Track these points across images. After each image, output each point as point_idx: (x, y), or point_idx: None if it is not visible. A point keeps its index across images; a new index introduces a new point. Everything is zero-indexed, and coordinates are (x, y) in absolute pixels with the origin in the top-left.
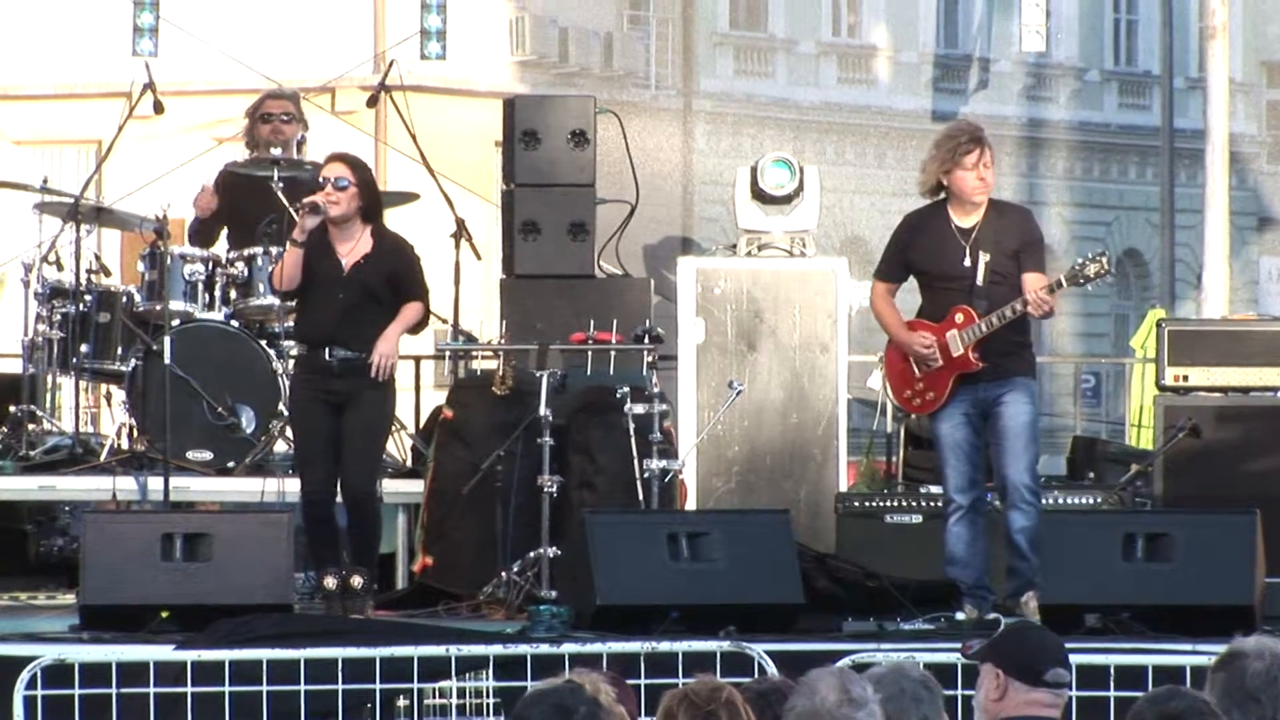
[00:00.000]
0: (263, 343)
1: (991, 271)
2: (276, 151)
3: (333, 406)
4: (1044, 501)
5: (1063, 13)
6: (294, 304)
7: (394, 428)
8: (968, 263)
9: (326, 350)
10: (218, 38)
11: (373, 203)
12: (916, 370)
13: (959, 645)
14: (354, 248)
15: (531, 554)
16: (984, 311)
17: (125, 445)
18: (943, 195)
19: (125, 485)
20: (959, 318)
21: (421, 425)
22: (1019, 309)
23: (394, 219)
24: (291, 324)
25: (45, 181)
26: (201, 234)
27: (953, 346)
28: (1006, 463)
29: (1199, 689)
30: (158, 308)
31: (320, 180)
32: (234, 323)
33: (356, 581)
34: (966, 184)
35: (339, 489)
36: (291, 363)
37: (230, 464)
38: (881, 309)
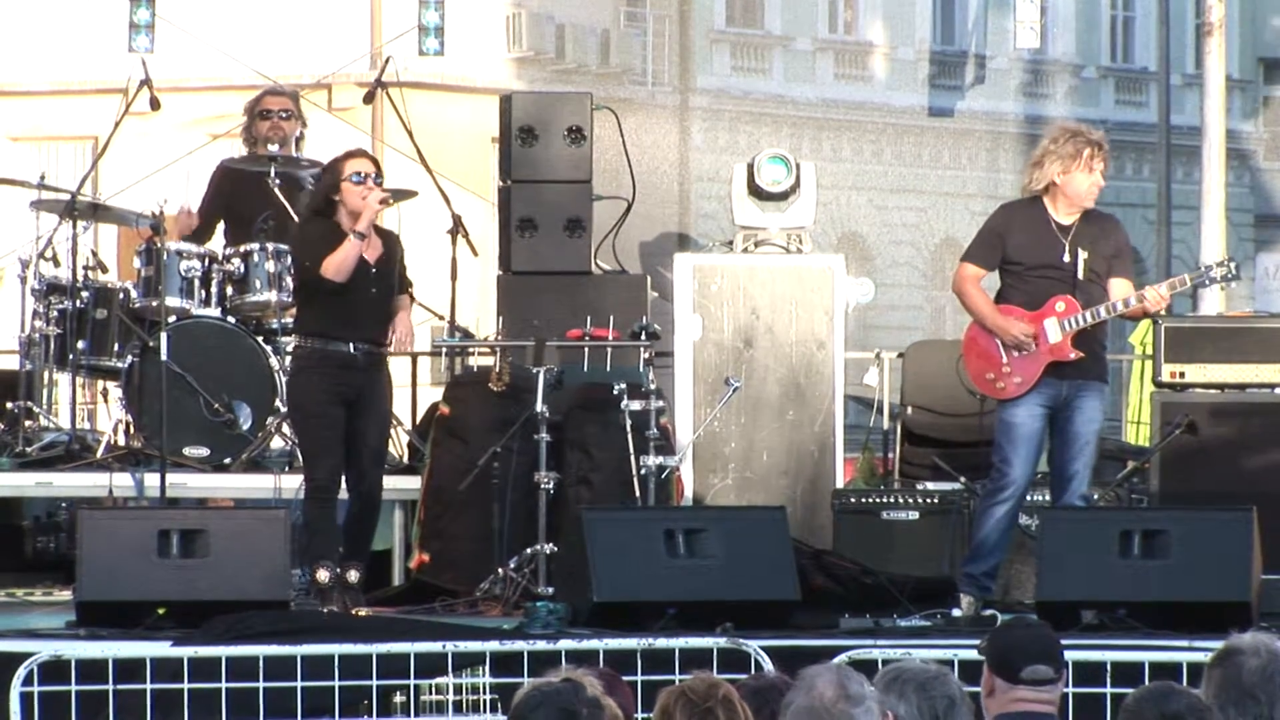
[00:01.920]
0: (259, 339)
1: (1090, 270)
2: (274, 148)
3: (345, 400)
4: (1042, 498)
5: (1059, 9)
6: (290, 298)
7: (391, 424)
8: (1068, 258)
9: (353, 345)
10: (214, 34)
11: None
12: (1005, 355)
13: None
14: (370, 243)
15: (528, 550)
16: (1083, 305)
17: (122, 442)
18: (1038, 189)
19: (122, 482)
20: (1060, 306)
21: (418, 422)
22: (1132, 304)
23: (390, 215)
24: (290, 320)
25: (42, 178)
26: (195, 235)
27: (1051, 333)
28: (1076, 466)
29: (1195, 686)
30: (154, 304)
31: (355, 176)
32: (230, 319)
33: (353, 576)
34: (1083, 186)
35: (351, 485)
36: (289, 359)
37: (227, 460)
38: (971, 291)
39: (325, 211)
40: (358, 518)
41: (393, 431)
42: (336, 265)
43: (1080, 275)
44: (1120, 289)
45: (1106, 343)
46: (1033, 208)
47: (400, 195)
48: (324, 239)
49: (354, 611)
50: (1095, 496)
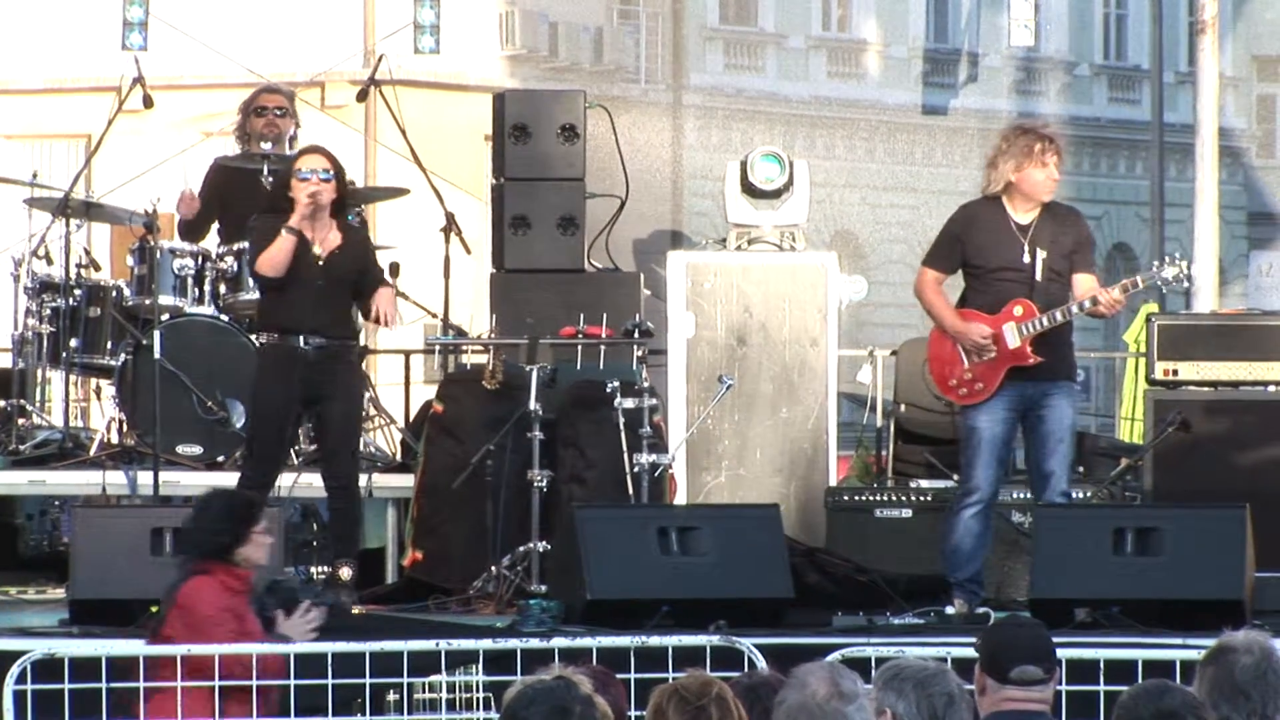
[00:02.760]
0: (252, 337)
1: (1049, 269)
2: (268, 146)
3: (304, 399)
4: (1019, 495)
5: (1052, 7)
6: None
7: (384, 422)
8: (1027, 258)
9: (303, 338)
10: (207, 32)
11: (343, 195)
12: (966, 360)
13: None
14: (326, 238)
15: (521, 548)
16: (1043, 307)
17: (115, 440)
18: (997, 190)
19: (115, 480)
20: (1018, 310)
21: (411, 420)
22: (1087, 307)
23: (383, 213)
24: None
25: (35, 176)
26: (190, 232)
27: (1009, 339)
28: (1051, 464)
29: (1189, 684)
30: (147, 302)
31: (301, 172)
32: (223, 317)
33: (345, 573)
34: (1038, 182)
35: (324, 480)
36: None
37: (220, 458)
38: (930, 297)
39: (282, 207)
40: (340, 512)
41: (385, 429)
42: (267, 259)
43: (1039, 276)
44: (1082, 284)
45: (1072, 341)
46: (991, 208)
47: (392, 193)
48: (266, 235)
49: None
50: (1076, 495)
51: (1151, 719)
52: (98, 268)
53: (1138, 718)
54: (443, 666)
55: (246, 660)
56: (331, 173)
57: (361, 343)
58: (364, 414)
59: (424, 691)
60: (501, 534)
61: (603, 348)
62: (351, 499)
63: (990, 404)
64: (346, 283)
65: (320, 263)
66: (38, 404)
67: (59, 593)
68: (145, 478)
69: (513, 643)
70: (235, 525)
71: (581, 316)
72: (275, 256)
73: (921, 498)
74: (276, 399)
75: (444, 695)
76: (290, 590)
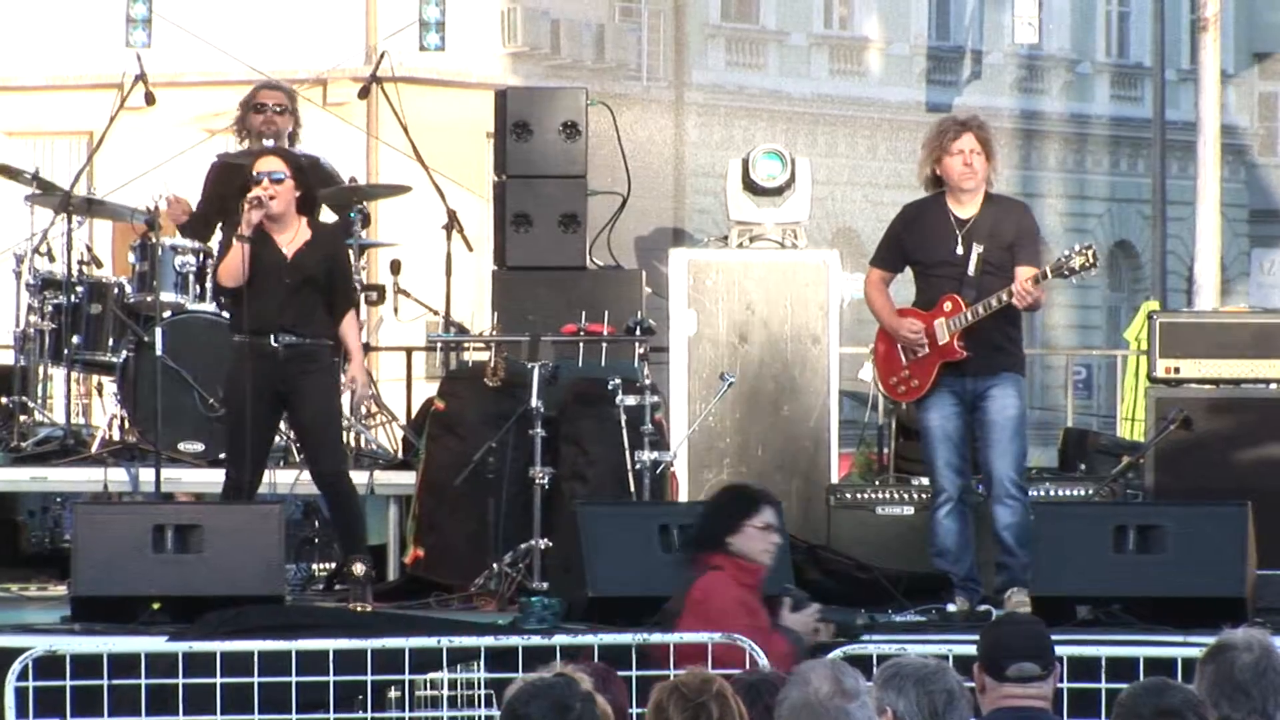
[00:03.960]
0: None
1: (984, 262)
2: (268, 142)
3: (275, 396)
4: (1037, 493)
5: (1055, 4)
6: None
7: (385, 419)
8: (960, 251)
9: (273, 337)
10: (210, 30)
11: (308, 195)
12: (904, 358)
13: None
14: (294, 238)
15: (523, 545)
16: (972, 301)
17: (116, 436)
18: (942, 188)
19: (117, 476)
20: (947, 305)
21: (413, 417)
22: (1005, 299)
23: (385, 210)
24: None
25: (37, 173)
26: (193, 231)
27: (939, 334)
28: (992, 458)
29: (1190, 681)
30: (149, 299)
31: (255, 176)
32: (225, 314)
33: (359, 569)
34: (954, 170)
35: (313, 478)
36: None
37: (221, 455)
38: (873, 295)
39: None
40: (334, 509)
41: (387, 426)
42: (224, 269)
43: (972, 270)
44: (1023, 277)
45: (1019, 330)
46: (933, 205)
47: (393, 191)
48: (228, 243)
49: (358, 606)
50: (1077, 492)
51: (1151, 716)
52: (99, 265)
53: (1138, 715)
54: (444, 663)
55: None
56: (283, 174)
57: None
58: (339, 411)
59: (425, 689)
60: (503, 531)
61: (604, 345)
62: (346, 496)
63: (935, 400)
64: (316, 280)
65: (287, 261)
66: (39, 401)
67: (60, 590)
68: (147, 474)
69: (514, 640)
70: (727, 517)
71: (583, 314)
72: (230, 265)
73: (923, 495)
74: (249, 398)
75: (445, 692)
76: (798, 594)
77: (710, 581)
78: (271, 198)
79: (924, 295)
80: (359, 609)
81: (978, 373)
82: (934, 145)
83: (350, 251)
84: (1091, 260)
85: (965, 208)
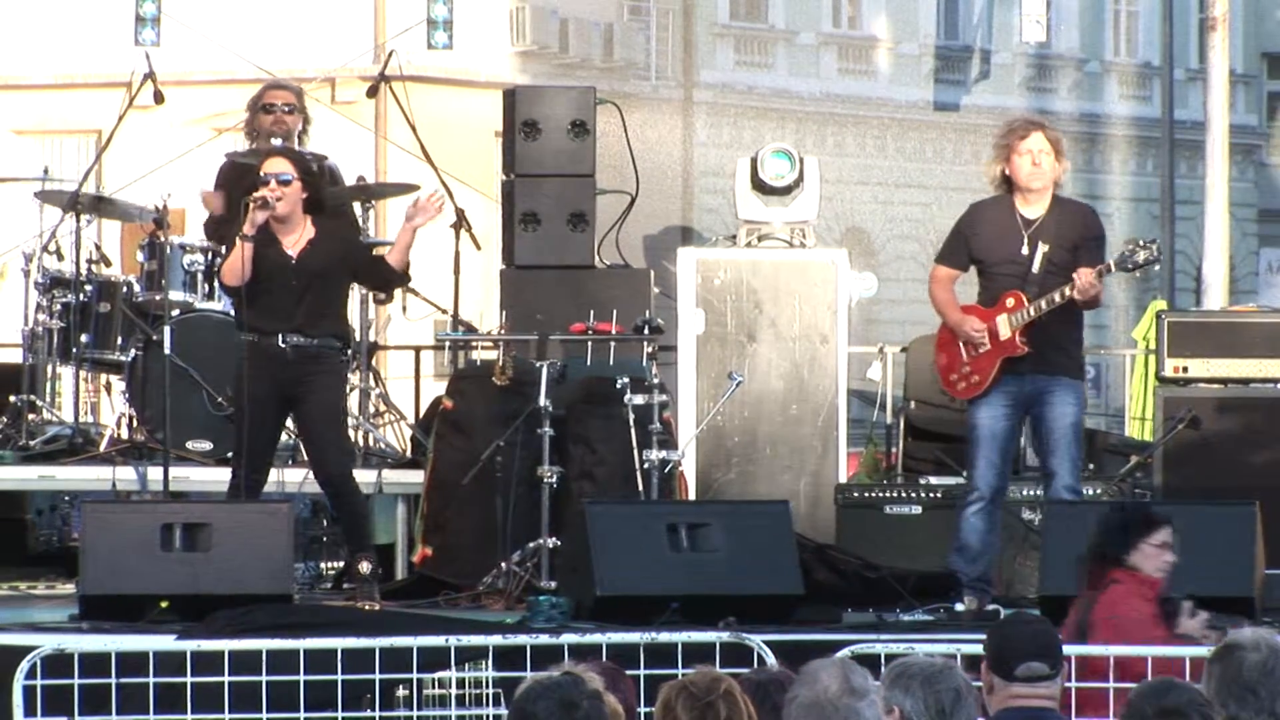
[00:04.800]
0: None
1: (1048, 262)
2: (277, 143)
3: (283, 397)
4: (1029, 493)
5: (1063, 3)
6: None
7: (394, 418)
8: (1025, 250)
9: (280, 337)
10: (218, 28)
11: (314, 196)
12: (965, 354)
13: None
14: (299, 239)
15: (531, 545)
16: (1034, 298)
17: (125, 435)
18: (1011, 188)
19: (125, 475)
20: (1010, 302)
21: (421, 416)
22: (1067, 294)
23: (393, 209)
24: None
25: (46, 171)
26: (217, 232)
27: (1001, 330)
28: (1053, 463)
29: (1197, 681)
30: (157, 298)
31: (263, 177)
32: (233, 313)
33: (365, 567)
34: (1022, 170)
35: (316, 478)
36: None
37: (230, 454)
38: (937, 292)
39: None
40: (338, 509)
41: (395, 425)
42: (227, 268)
43: (1036, 269)
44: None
45: (1081, 335)
46: (1000, 204)
47: (402, 189)
48: (233, 243)
49: (365, 604)
50: (1086, 492)
51: (1156, 716)
52: (108, 263)
53: (1143, 715)
54: (452, 662)
55: (1163, 661)
56: (291, 175)
57: (372, 339)
58: (344, 412)
59: (434, 687)
60: (511, 530)
61: (613, 344)
62: (348, 495)
63: (989, 400)
64: (325, 278)
65: (292, 263)
66: (48, 399)
67: (68, 588)
68: (155, 473)
69: (522, 639)
70: (1126, 535)
71: (591, 313)
72: (233, 264)
73: (931, 494)
74: (256, 397)
75: (453, 691)
76: (1188, 603)
77: (1114, 596)
78: (278, 199)
79: (986, 293)
80: (367, 608)
81: (1037, 371)
82: (1003, 145)
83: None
84: (1156, 255)
85: (1033, 207)
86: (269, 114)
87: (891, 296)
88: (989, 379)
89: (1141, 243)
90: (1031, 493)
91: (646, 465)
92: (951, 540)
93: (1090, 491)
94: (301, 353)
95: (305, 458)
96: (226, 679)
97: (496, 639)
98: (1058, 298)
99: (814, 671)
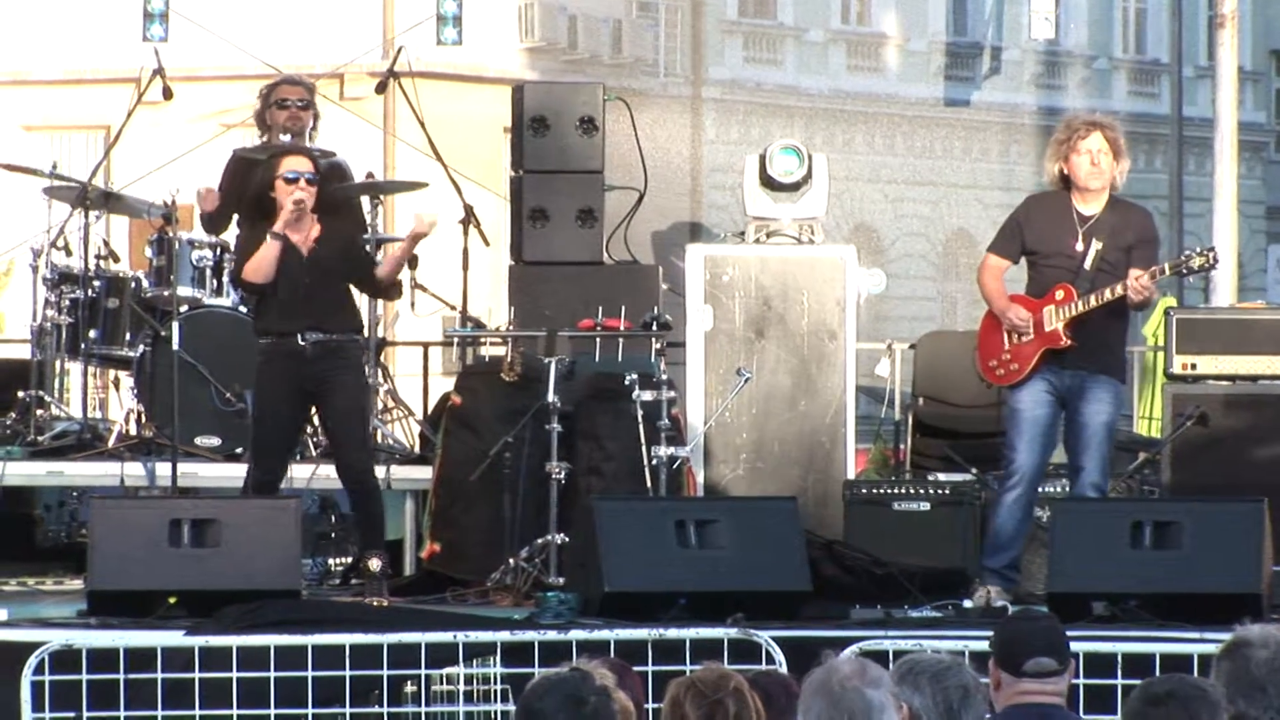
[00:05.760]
0: None
1: (1101, 259)
2: (288, 138)
3: (304, 394)
4: (1054, 489)
5: (1072, 0)
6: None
7: (402, 414)
8: (1080, 246)
9: (300, 335)
10: (227, 24)
11: (322, 194)
12: (1007, 342)
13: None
14: (307, 236)
15: (539, 541)
16: (1084, 294)
17: (133, 431)
18: (1069, 186)
19: (133, 471)
20: (1059, 294)
21: (429, 412)
22: (1119, 291)
23: (401, 205)
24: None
25: (54, 167)
26: (212, 225)
27: (1047, 321)
28: (1084, 459)
29: (1206, 677)
30: (166, 293)
31: (287, 175)
32: (242, 309)
33: (374, 564)
34: (1080, 169)
35: (339, 475)
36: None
37: (238, 449)
38: (986, 280)
39: (263, 207)
40: (357, 505)
41: (403, 421)
42: (254, 267)
43: (1088, 265)
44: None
45: (1125, 337)
46: (1057, 198)
47: (411, 185)
48: (252, 241)
49: (374, 601)
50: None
51: (1139, 699)
52: (116, 259)
53: (1130, 701)
54: (460, 658)
55: None
56: (315, 175)
57: (380, 335)
58: (369, 408)
59: (442, 683)
60: (519, 526)
61: (621, 340)
62: (369, 492)
63: (1030, 385)
64: (335, 272)
65: (304, 260)
66: (56, 395)
67: (77, 584)
68: (163, 469)
69: (530, 635)
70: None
71: (600, 309)
72: (262, 264)
73: (939, 491)
74: (276, 398)
75: (461, 687)
76: None
77: None
78: (311, 196)
79: (1035, 285)
80: (375, 604)
81: (1078, 365)
82: (1062, 143)
83: (366, 243)
84: (1212, 262)
85: (1090, 205)
86: (283, 109)
87: (900, 293)
88: (1028, 368)
89: (1199, 250)
90: (1042, 489)
91: (655, 461)
92: (987, 522)
93: None
94: (322, 348)
95: (313, 453)
96: (234, 675)
97: (504, 635)
98: (1108, 294)
99: (833, 660)
